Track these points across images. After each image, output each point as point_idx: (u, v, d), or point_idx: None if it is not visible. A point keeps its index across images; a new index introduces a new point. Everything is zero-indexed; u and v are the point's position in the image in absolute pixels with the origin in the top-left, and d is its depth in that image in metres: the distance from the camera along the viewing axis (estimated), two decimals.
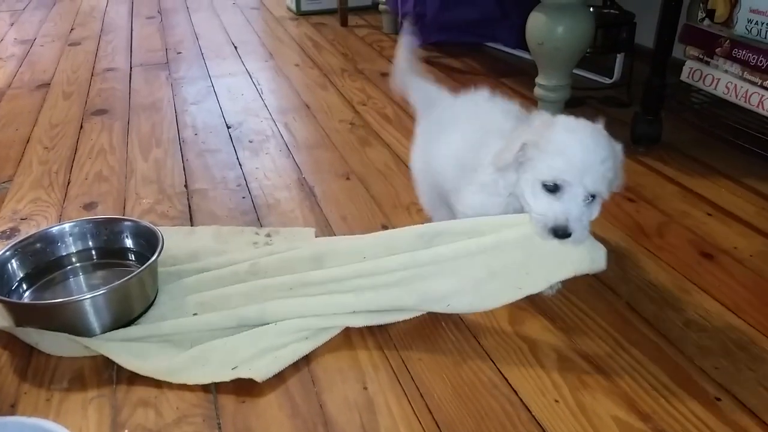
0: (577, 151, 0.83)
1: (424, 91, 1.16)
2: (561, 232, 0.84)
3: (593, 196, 0.85)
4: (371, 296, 0.94)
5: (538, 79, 1.58)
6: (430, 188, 1.12)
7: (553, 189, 0.84)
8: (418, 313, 0.96)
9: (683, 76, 1.54)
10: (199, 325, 0.93)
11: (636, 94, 1.65)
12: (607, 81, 1.91)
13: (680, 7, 1.43)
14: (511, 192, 0.91)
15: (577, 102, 1.76)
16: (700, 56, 1.49)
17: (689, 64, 1.52)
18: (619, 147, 0.89)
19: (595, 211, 0.87)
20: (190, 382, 0.86)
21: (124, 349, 0.90)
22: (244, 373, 0.85)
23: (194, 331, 0.93)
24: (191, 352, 0.90)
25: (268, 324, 0.94)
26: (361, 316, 0.95)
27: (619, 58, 1.88)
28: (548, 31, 1.49)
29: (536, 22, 1.52)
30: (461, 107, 1.07)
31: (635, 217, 1.24)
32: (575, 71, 1.75)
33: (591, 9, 1.57)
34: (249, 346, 0.90)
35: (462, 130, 1.01)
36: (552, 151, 0.84)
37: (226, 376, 0.86)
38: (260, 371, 0.86)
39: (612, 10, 1.84)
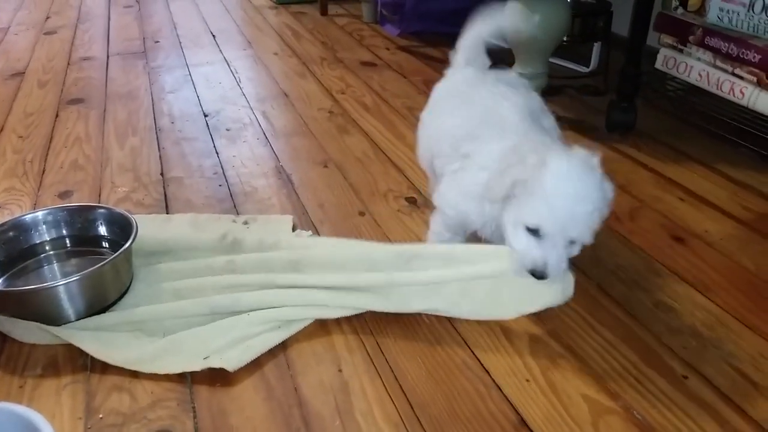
0: (565, 202, 0.80)
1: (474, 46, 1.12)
2: (538, 275, 0.83)
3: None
4: (346, 295, 0.95)
5: (516, 68, 1.59)
6: (426, 152, 1.10)
7: (535, 231, 0.83)
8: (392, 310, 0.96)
9: (657, 64, 1.56)
10: (172, 312, 0.93)
11: (613, 82, 1.67)
12: (585, 70, 1.93)
13: None
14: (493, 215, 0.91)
15: (555, 90, 1.77)
16: (674, 44, 1.51)
17: (663, 52, 1.54)
18: (609, 188, 0.86)
19: (576, 251, 0.85)
20: (162, 371, 0.86)
21: (94, 339, 0.90)
22: (215, 363, 0.85)
23: (167, 318, 0.93)
24: (163, 341, 0.90)
25: (242, 314, 0.94)
26: (334, 310, 0.95)
27: (596, 47, 1.90)
28: (525, 18, 1.50)
29: (514, 10, 1.53)
30: (476, 82, 1.05)
31: None
32: (553, 60, 1.76)
33: None
34: (221, 336, 0.90)
35: (467, 109, 1.00)
36: (540, 196, 0.81)
37: (198, 365, 0.86)
38: (231, 361, 0.86)
39: (589, 0, 1.85)
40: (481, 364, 0.86)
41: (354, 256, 0.99)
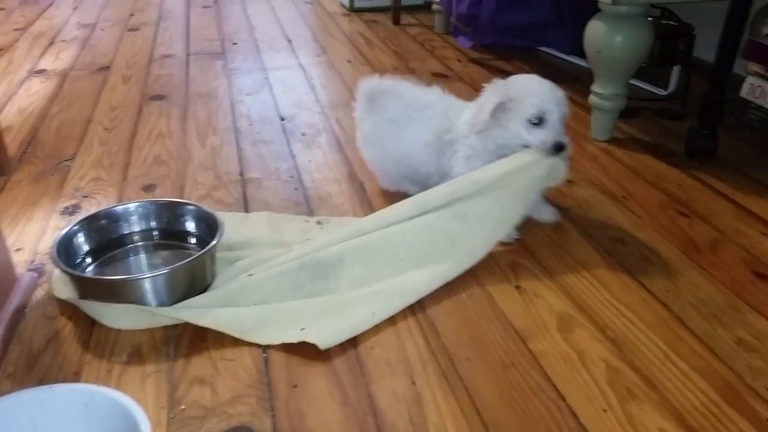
0: (545, 89, 1.14)
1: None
2: (560, 147, 1.11)
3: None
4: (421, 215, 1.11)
5: (594, 87, 1.57)
6: (393, 170, 1.32)
7: (538, 122, 1.12)
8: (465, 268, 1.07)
9: (743, 92, 1.52)
10: (262, 284, 1.00)
11: (691, 107, 1.63)
12: (663, 93, 1.89)
13: (744, 22, 1.40)
14: (499, 144, 1.15)
15: (632, 112, 1.74)
16: (763, 72, 1.46)
17: (750, 80, 1.50)
18: None
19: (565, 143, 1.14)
20: (261, 341, 0.92)
21: (190, 313, 0.95)
22: (311, 337, 0.91)
23: (259, 291, 0.99)
24: (260, 312, 0.96)
25: (336, 294, 1.01)
26: (423, 277, 1.04)
27: (676, 70, 1.86)
28: (607, 39, 1.48)
29: (595, 30, 1.51)
30: (413, 100, 1.29)
31: (688, 232, 1.23)
32: (631, 81, 1.73)
33: (650, 19, 1.56)
34: (316, 312, 0.97)
35: (423, 119, 1.26)
36: (529, 94, 1.12)
37: (294, 337, 0.91)
38: (325, 339, 0.91)
39: (671, 22, 1.82)
40: (557, 390, 0.86)
41: (411, 201, 1.15)
